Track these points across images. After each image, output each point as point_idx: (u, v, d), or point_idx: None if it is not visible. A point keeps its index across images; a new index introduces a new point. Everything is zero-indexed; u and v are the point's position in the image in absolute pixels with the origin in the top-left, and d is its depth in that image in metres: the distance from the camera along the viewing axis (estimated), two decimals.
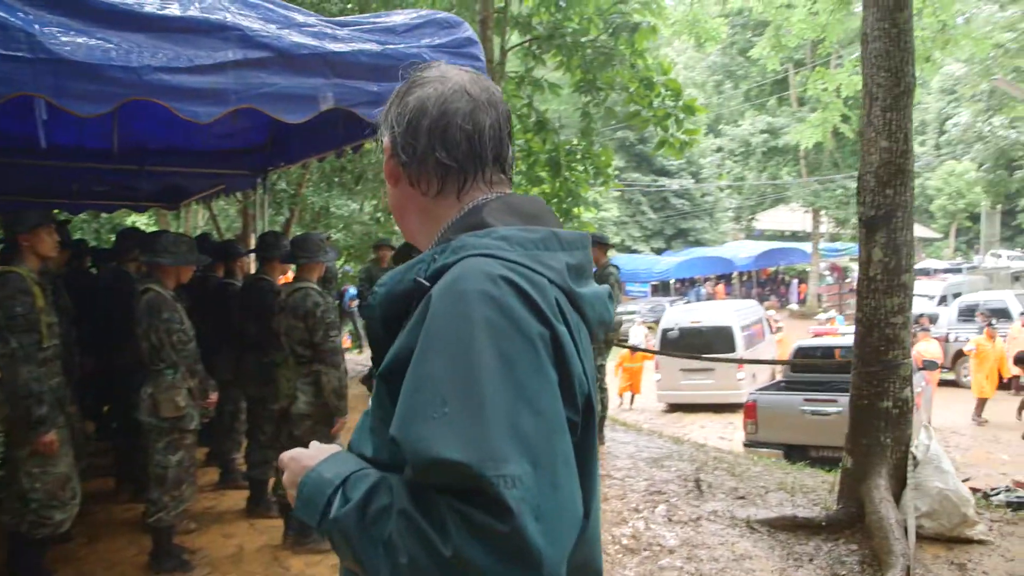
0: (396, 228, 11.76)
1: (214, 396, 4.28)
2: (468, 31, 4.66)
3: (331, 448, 1.12)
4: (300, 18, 4.08)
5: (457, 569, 0.86)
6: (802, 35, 14.06)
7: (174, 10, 3.55)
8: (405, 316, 1.09)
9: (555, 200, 10.35)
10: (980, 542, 4.77)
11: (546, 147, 9.83)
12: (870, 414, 4.81)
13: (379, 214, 11.67)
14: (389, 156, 1.22)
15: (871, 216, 4.73)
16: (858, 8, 16.61)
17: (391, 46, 4.25)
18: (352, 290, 14.00)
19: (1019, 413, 12.74)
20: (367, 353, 14.71)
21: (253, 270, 6.14)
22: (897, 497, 4.76)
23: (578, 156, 9.97)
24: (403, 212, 1.26)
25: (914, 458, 4.84)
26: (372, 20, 4.58)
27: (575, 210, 10.55)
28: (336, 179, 10.59)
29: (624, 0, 8.77)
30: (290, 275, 5.40)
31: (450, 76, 1.23)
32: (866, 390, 4.83)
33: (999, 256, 32.88)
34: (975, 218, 37.81)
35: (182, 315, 4.07)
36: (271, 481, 4.84)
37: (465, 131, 1.18)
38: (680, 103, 8.98)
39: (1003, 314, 16.78)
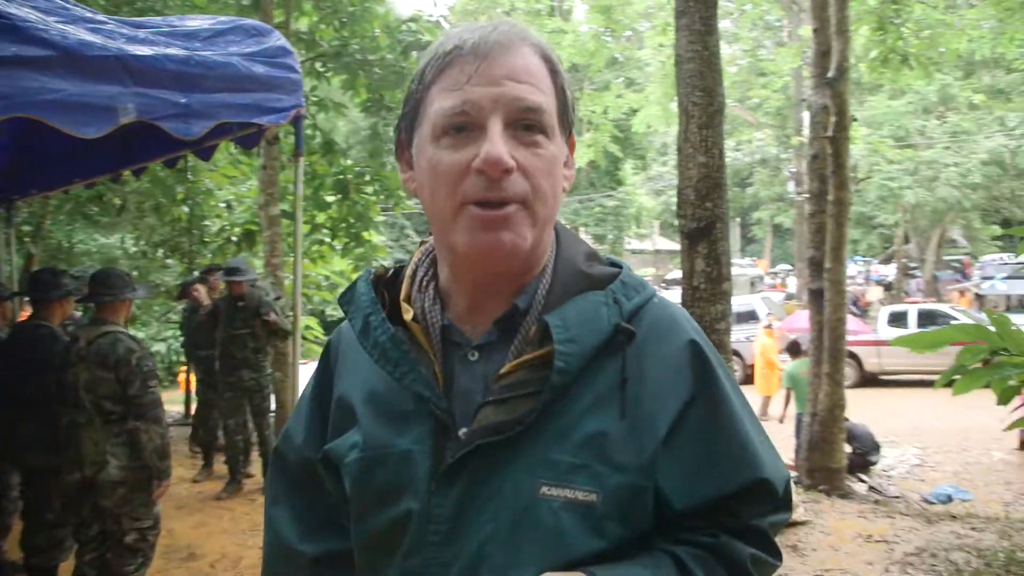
0: (169, 262, 10.72)
1: None
2: (280, 39, 4.25)
3: None
4: (87, 13, 3.46)
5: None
6: (571, 60, 14.82)
7: None
8: (587, 369, 0.91)
9: (344, 225, 9.94)
10: (803, 523, 5.15)
11: (333, 169, 9.41)
12: None
13: (144, 248, 10.50)
14: (573, 163, 1.02)
15: (692, 228, 4.89)
16: (610, 39, 17.78)
17: (199, 53, 3.74)
18: None
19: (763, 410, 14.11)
20: None
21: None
22: None
23: (367, 178, 9.61)
24: (553, 217, 0.97)
25: None
26: (168, 24, 4.03)
27: (364, 234, 10.20)
28: (95, 209, 9.37)
29: (414, 19, 8.61)
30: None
31: None
32: None
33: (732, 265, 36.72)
34: None
35: None
36: (61, 568, 4.03)
37: None
38: None
39: (751, 316, 18.66)
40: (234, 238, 9.54)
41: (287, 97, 4.02)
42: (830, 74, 8.71)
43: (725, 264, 4.94)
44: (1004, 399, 3.77)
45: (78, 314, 6.43)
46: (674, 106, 18.49)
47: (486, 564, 0.86)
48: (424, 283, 1.00)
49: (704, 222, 4.88)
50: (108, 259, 10.74)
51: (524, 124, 0.88)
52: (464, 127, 0.87)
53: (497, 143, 0.85)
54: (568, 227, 1.04)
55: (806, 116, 22.91)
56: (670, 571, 0.89)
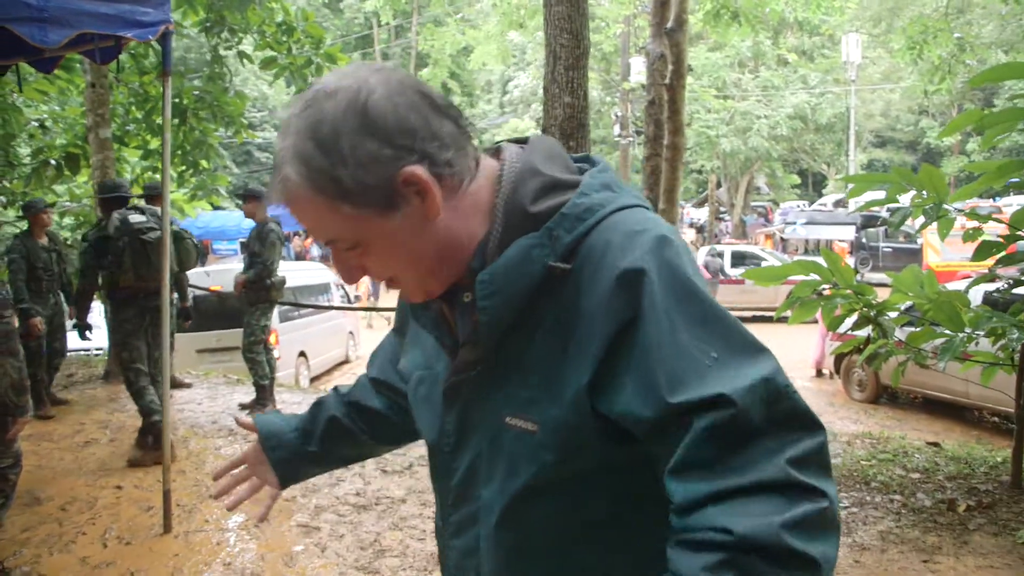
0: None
1: None
2: None
3: None
4: None
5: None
6: None
7: None
8: (527, 310, 0.95)
9: (180, 152, 9.37)
10: None
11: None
12: None
13: None
14: (429, 185, 0.91)
15: None
16: None
17: None
18: None
19: None
20: None
21: None
22: None
23: (207, 103, 9.08)
24: (443, 243, 0.96)
25: None
26: None
27: (202, 162, 9.68)
28: None
29: None
30: None
31: (365, 75, 0.94)
32: None
33: None
34: None
35: None
36: None
37: (443, 95, 1.00)
38: (322, 51, 8.67)
39: None
40: (53, 161, 8.74)
41: (154, 11, 3.76)
42: (669, 24, 9.15)
43: None
44: (832, 326, 4.33)
45: None
46: (510, 45, 18.52)
47: (478, 475, 1.05)
48: None
49: None
50: None
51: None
52: None
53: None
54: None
55: (634, 62, 23.82)
56: None
